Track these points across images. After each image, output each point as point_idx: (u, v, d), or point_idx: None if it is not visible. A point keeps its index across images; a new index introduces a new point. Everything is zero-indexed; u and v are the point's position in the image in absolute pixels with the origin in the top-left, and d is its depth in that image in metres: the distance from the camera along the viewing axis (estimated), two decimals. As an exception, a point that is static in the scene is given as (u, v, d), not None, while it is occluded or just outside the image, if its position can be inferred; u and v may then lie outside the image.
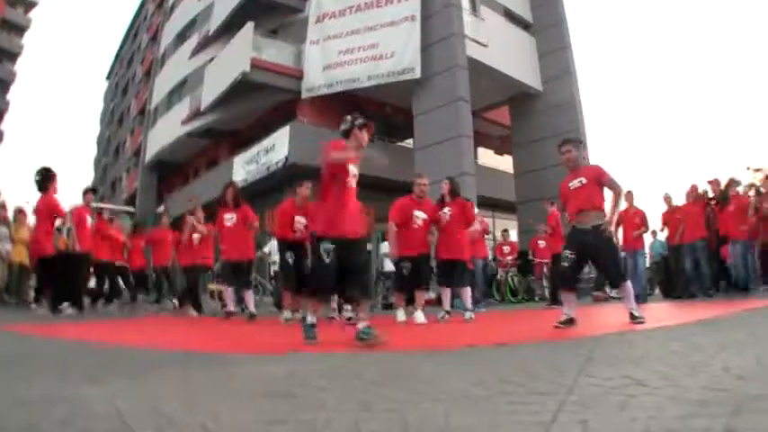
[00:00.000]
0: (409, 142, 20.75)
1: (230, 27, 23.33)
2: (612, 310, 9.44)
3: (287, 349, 4.33)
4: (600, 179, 5.95)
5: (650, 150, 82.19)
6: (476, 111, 20.84)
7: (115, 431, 1.83)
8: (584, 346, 3.94)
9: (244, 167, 21.75)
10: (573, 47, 22.85)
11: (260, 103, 22.48)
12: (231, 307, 9.45)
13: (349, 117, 5.04)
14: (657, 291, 14.89)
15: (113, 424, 1.90)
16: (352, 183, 4.86)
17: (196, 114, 25.23)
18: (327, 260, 4.51)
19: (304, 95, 20.92)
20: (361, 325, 4.50)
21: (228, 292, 9.61)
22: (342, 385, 2.68)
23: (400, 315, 7.89)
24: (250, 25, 21.07)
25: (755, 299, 9.06)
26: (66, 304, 9.17)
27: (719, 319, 5.89)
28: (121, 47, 53.04)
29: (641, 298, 11.32)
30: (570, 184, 6.12)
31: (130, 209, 28.11)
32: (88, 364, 3.58)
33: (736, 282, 11.03)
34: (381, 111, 22.17)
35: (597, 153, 74.76)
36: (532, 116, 22.31)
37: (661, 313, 8.06)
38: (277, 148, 19.94)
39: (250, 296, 9.33)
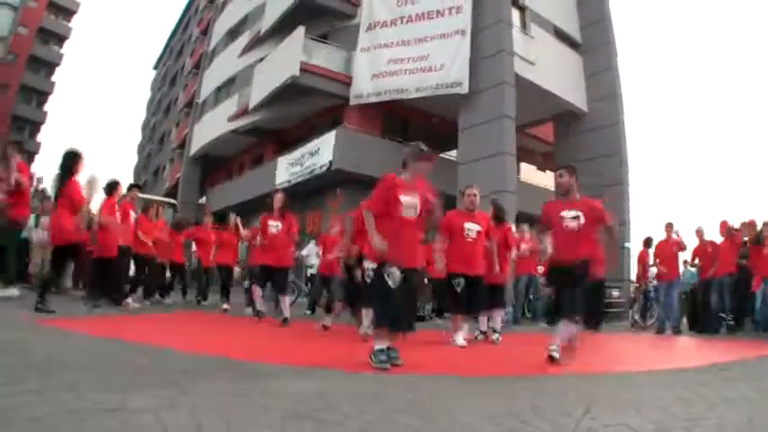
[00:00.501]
0: (453, 154, 20.96)
1: (282, 28, 23.85)
2: (638, 342, 9.69)
3: (319, 361, 4.69)
4: (599, 220, 5.68)
5: (692, 179, 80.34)
6: (520, 126, 20.94)
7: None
8: (594, 382, 4.21)
9: (287, 169, 22.19)
10: (620, 68, 22.91)
11: (307, 107, 22.91)
12: (259, 306, 9.77)
13: (408, 149, 5.07)
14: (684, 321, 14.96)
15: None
16: (407, 212, 4.83)
17: (244, 112, 25.79)
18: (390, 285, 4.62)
19: (352, 102, 21.29)
20: (376, 345, 4.67)
21: (257, 293, 9.83)
22: (363, 412, 2.91)
23: (459, 340, 7.18)
24: (301, 29, 21.46)
25: None
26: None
27: (733, 366, 5.98)
28: (171, 37, 54.15)
29: (673, 330, 11.52)
30: (563, 215, 5.75)
31: (172, 201, 28.75)
32: (130, 368, 3.81)
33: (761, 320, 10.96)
34: (428, 122, 22.51)
35: (637, 175, 73.46)
36: (576, 135, 22.45)
37: (678, 353, 8.25)
38: (322, 152, 20.31)
39: (287, 302, 9.42)
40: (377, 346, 4.65)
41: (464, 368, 5.16)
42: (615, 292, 16.85)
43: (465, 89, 18.98)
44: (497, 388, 4.01)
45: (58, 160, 8.13)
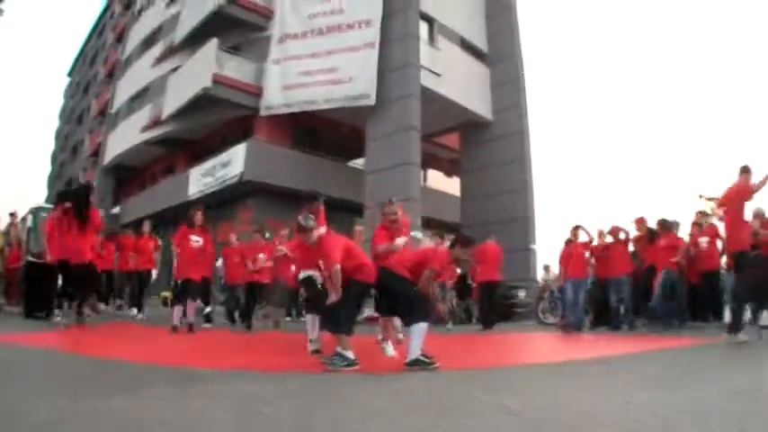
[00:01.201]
0: (359, 162, 21.46)
1: (195, 39, 23.89)
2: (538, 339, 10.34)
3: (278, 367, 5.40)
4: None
5: (593, 182, 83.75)
6: (427, 135, 21.71)
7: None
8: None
9: (199, 179, 22.28)
10: (525, 78, 24.00)
11: (219, 117, 23.02)
12: (190, 317, 9.77)
13: None
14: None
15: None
16: None
17: (156, 122, 25.68)
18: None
19: (262, 113, 21.54)
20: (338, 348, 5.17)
21: (191, 307, 9.84)
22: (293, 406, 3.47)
23: (390, 350, 6.71)
24: (214, 41, 21.63)
25: (670, 336, 9.40)
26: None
27: (610, 360, 6.49)
28: (86, 44, 52.73)
29: (576, 328, 11.71)
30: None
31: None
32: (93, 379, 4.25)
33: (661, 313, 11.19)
34: (337, 131, 23.00)
35: (541, 180, 75.97)
36: (482, 144, 23.38)
37: (572, 348, 8.71)
38: (233, 162, 20.52)
39: (193, 307, 9.80)
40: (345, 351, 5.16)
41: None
42: (521, 293, 17.50)
43: (372, 101, 19.55)
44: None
45: None
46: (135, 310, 12.97)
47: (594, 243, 12.24)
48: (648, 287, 11.35)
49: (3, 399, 3.27)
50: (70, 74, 58.56)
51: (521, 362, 6.71)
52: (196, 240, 9.62)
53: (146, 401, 3.39)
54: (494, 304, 13.46)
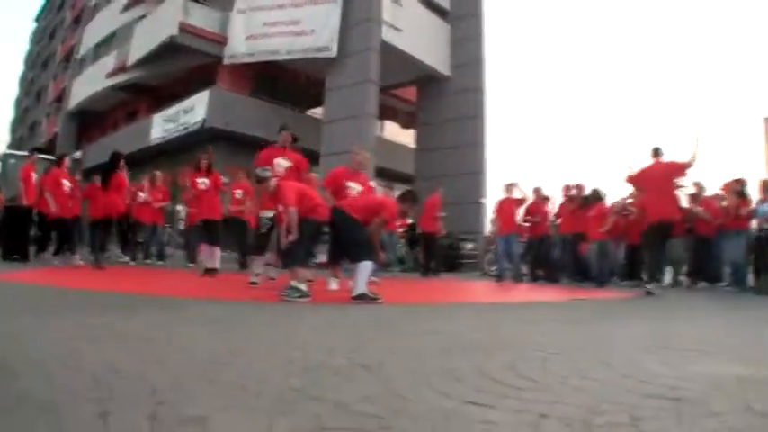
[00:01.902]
0: (317, 111, 21.79)
1: (163, -14, 23.75)
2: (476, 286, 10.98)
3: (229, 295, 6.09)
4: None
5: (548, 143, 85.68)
6: (385, 87, 22.15)
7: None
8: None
9: (162, 125, 22.64)
10: (485, 37, 24.49)
11: (183, 65, 23.25)
12: (215, 264, 9.61)
13: None
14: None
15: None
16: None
17: (122, 68, 25.78)
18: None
19: (225, 62, 21.83)
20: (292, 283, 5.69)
21: (207, 250, 9.79)
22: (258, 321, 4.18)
23: (333, 284, 7.31)
24: (181, -11, 21.68)
25: (603, 290, 9.88)
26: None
27: (534, 304, 7.18)
28: (53, -12, 51.77)
29: (514, 278, 12.16)
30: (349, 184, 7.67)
31: (50, 156, 28.19)
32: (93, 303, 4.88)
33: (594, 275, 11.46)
34: (296, 81, 23.37)
35: (495, 138, 77.24)
36: (439, 98, 23.92)
37: (501, 294, 9.14)
38: (196, 109, 20.94)
39: (217, 253, 9.61)
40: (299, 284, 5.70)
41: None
42: (469, 245, 18.26)
43: (333, 54, 20.02)
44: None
45: None
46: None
47: (528, 202, 12.48)
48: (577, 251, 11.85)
49: (29, 317, 3.75)
50: (37, 19, 57.56)
51: (452, 301, 7.46)
52: (202, 182, 9.91)
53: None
54: (435, 254, 14.05)
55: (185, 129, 21.26)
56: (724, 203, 10.87)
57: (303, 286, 5.68)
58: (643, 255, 10.62)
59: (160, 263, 12.92)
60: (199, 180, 9.89)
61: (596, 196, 11.80)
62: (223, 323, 3.92)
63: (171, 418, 1.62)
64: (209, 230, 9.70)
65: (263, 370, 2.32)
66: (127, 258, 12.82)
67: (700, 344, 3.49)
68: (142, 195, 12.66)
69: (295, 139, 7.87)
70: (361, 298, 5.67)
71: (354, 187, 7.74)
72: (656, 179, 8.82)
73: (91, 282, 7.32)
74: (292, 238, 5.70)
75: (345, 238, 6.02)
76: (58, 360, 2.34)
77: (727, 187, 10.90)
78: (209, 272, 9.17)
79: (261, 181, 6.19)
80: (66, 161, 11.50)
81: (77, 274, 8.64)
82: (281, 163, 7.48)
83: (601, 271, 11.06)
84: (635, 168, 9.20)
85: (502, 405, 1.87)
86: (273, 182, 6.16)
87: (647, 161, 9.04)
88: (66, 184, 11.01)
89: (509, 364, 2.57)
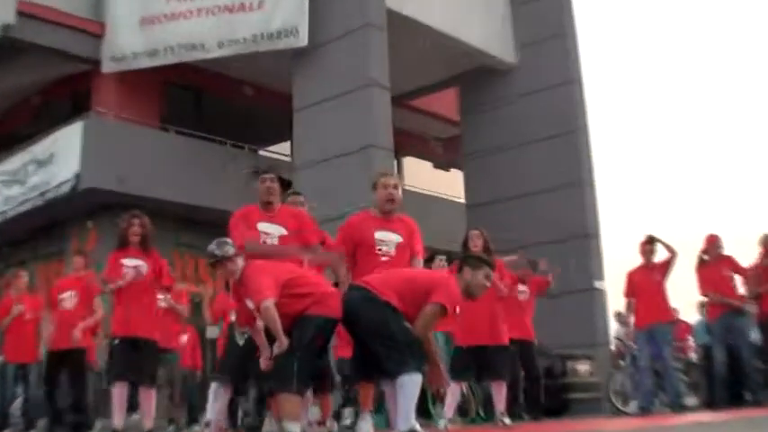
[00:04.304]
0: (281, 149, 15.97)
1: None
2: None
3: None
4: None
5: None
6: (399, 96, 14.96)
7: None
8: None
9: (-1, 191, 15.58)
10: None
11: (30, 78, 15.84)
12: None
13: None
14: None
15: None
16: None
17: None
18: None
19: (106, 68, 14.50)
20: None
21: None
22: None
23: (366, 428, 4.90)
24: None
25: None
26: None
27: None
28: None
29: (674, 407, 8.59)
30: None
31: None
32: None
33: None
34: (238, 97, 16.44)
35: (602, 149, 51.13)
36: (498, 107, 15.77)
37: None
38: (58, 158, 13.80)
39: (151, 400, 6.80)
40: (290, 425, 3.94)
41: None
42: (583, 366, 12.05)
43: (303, 40, 13.15)
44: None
45: None
46: None
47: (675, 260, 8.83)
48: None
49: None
50: None
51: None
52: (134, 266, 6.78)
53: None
54: (534, 381, 9.11)
55: (42, 195, 13.88)
56: None
57: (296, 427, 3.86)
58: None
59: None
60: (126, 262, 6.50)
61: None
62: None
63: None
64: (138, 357, 6.48)
65: None
66: None
67: None
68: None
69: (286, 184, 5.23)
70: None
71: (389, 241, 4.83)
72: None
73: None
74: (277, 350, 3.81)
75: (374, 334, 3.84)
76: None
77: None
78: None
79: (215, 264, 4.12)
80: None
81: None
82: (270, 230, 4.84)
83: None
84: None
85: None
86: (240, 263, 4.08)
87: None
88: None
89: None
